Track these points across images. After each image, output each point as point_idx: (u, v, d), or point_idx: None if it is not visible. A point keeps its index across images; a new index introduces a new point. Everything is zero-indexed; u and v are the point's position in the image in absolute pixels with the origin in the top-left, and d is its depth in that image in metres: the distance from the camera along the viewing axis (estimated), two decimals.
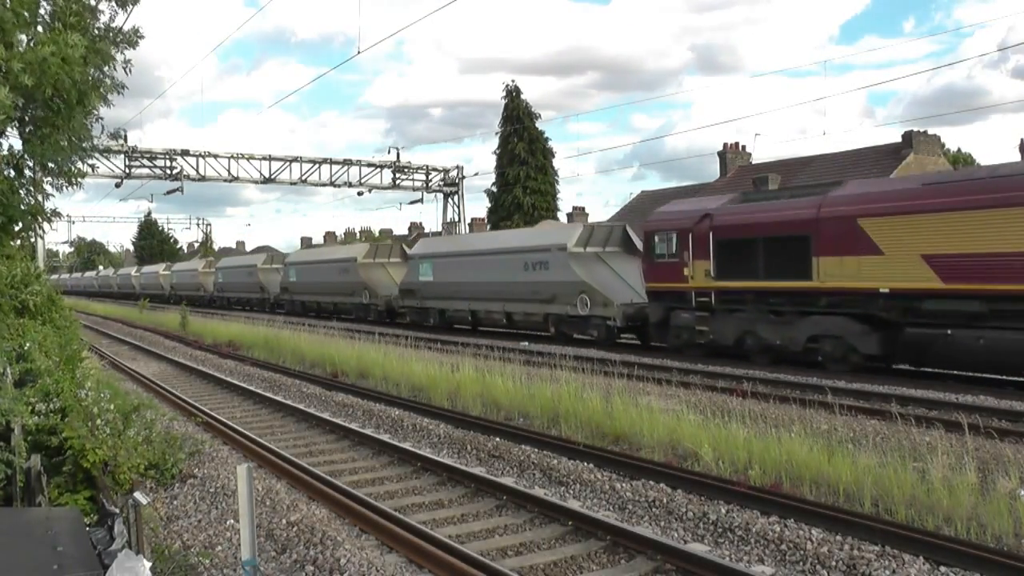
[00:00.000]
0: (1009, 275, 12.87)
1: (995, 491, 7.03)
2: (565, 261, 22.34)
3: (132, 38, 11.13)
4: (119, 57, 11.04)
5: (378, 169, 42.77)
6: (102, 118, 11.59)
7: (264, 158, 40.34)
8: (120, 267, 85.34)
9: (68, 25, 9.73)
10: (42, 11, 10.21)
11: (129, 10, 11.00)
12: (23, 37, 9.52)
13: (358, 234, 76.69)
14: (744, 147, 43.57)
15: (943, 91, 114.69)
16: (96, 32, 10.81)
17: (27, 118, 10.66)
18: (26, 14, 8.99)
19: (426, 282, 28.75)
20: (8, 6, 8.64)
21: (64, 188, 11.87)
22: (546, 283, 23.04)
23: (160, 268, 61.06)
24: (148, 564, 3.78)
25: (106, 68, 10.92)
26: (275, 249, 67.59)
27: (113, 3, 10.96)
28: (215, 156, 39.31)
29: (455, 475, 8.84)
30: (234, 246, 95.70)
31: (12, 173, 10.56)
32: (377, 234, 73.98)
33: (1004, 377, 14.09)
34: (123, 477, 7.50)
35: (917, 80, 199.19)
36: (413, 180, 44.17)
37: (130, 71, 11.18)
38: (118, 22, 11.17)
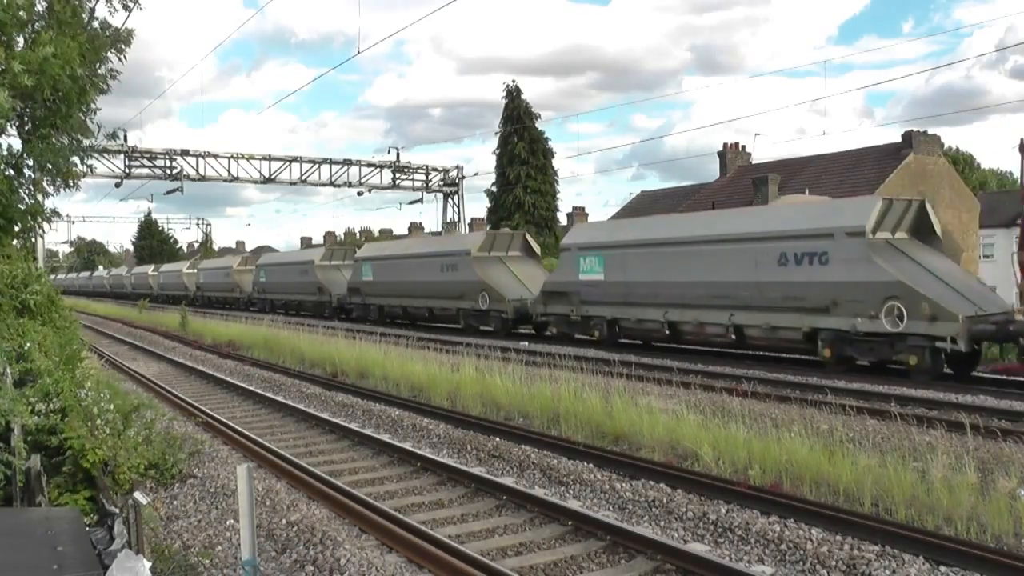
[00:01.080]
0: None
1: (995, 491, 7.04)
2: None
3: (126, 37, 11.15)
4: (113, 56, 11.07)
5: (378, 169, 42.81)
6: (99, 108, 11.58)
7: (264, 158, 40.37)
8: (120, 267, 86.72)
9: (65, 23, 9.74)
10: (39, 8, 10.21)
11: (129, 11, 11.02)
12: (19, 39, 9.53)
13: (358, 234, 76.87)
14: (744, 147, 43.59)
15: (942, 91, 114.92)
16: (92, 29, 10.82)
17: (26, 118, 10.66)
18: (23, 14, 8.99)
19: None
20: (7, 9, 8.63)
21: (63, 188, 11.87)
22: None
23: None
24: (148, 564, 3.78)
25: (101, 64, 10.94)
26: (273, 249, 69.31)
27: (112, 3, 10.98)
28: (215, 156, 39.34)
29: (455, 475, 8.84)
30: (234, 246, 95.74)
31: (11, 173, 10.56)
32: (377, 234, 74.08)
33: (1006, 377, 14.10)
34: (123, 477, 7.50)
35: (916, 80, 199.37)
36: (413, 180, 44.22)
37: (124, 59, 11.20)
38: (114, 20, 11.20)
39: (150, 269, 66.56)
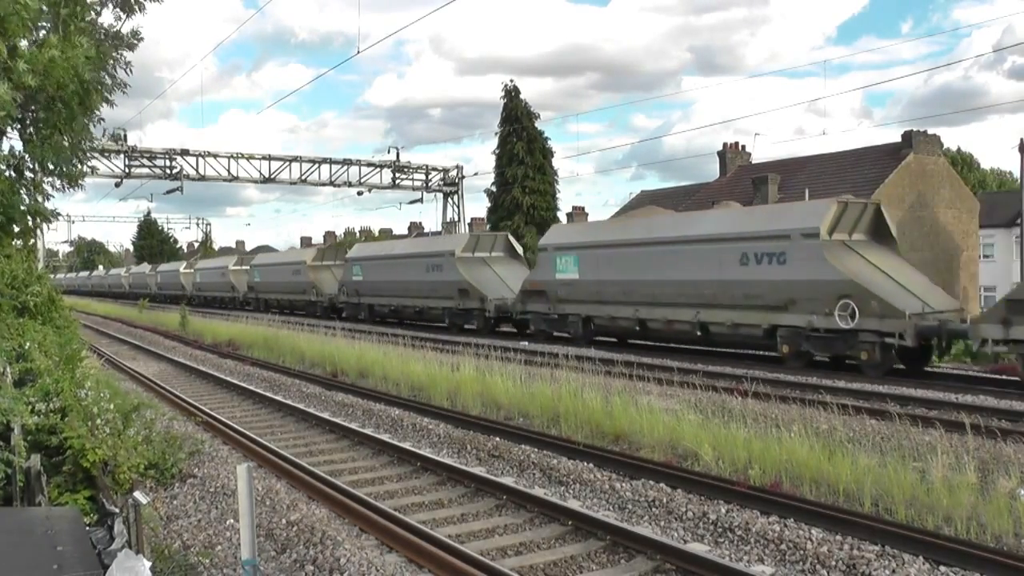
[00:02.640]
0: None
1: (995, 491, 7.04)
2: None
3: (131, 41, 11.17)
4: (120, 60, 11.09)
5: (378, 169, 42.79)
6: (103, 119, 11.63)
7: (264, 158, 40.35)
8: (120, 267, 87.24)
9: (79, 29, 9.75)
10: (46, 9, 10.21)
11: (133, 16, 11.04)
12: (24, 42, 9.52)
13: (358, 234, 76.97)
14: (744, 147, 43.59)
15: (941, 91, 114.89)
16: (99, 35, 10.84)
17: (28, 119, 10.66)
18: (25, 14, 8.98)
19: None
20: (13, 11, 8.62)
21: (64, 188, 11.88)
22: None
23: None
24: (148, 564, 3.77)
25: (107, 69, 10.96)
26: (274, 249, 69.78)
27: (118, 9, 11.00)
28: (215, 156, 39.32)
29: (455, 475, 8.83)
30: (234, 245, 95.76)
31: (12, 174, 10.56)
32: (377, 234, 74.16)
33: (1005, 377, 14.11)
34: (123, 477, 7.49)
35: (915, 80, 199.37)
36: (413, 180, 44.19)
37: (131, 71, 11.23)
38: (119, 26, 11.22)
39: (147, 268, 67.78)
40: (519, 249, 29.02)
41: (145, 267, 71.06)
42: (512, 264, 27.76)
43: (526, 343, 21.78)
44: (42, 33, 10.18)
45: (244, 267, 48.05)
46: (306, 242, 75.20)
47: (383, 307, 32.73)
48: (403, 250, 32.93)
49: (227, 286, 48.59)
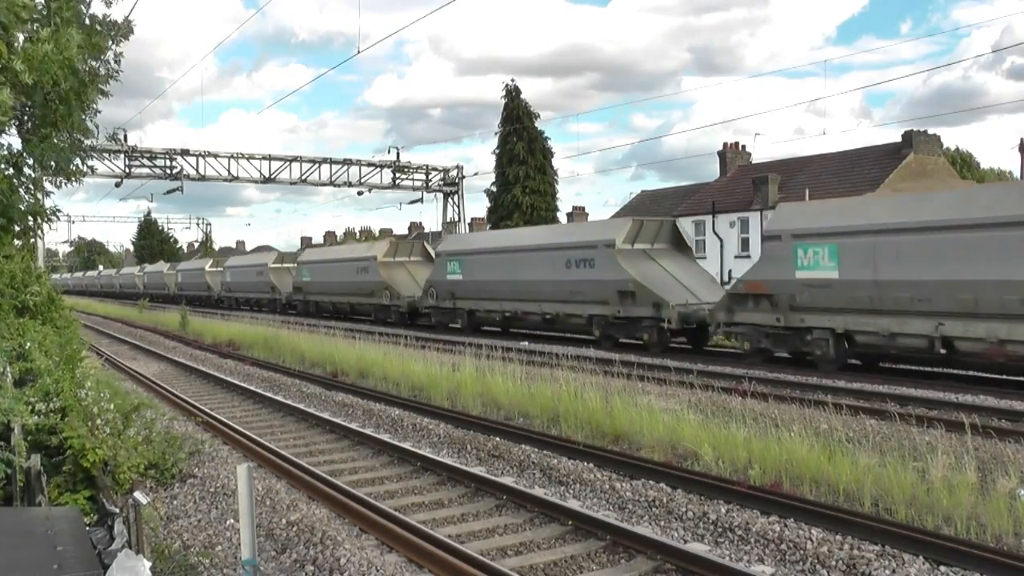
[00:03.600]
0: None
1: (995, 491, 7.04)
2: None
3: (125, 30, 11.11)
4: (113, 49, 11.03)
5: (378, 169, 42.79)
6: (100, 111, 11.56)
7: (264, 158, 40.36)
8: (119, 267, 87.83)
9: (66, 21, 9.71)
10: (38, 3, 10.19)
11: (119, 3, 10.96)
12: (20, 35, 9.51)
13: (358, 234, 77.05)
14: (744, 147, 43.59)
15: (940, 92, 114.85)
16: (89, 24, 10.78)
17: (26, 117, 10.65)
18: (24, 14, 8.97)
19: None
20: (9, 8, 8.61)
21: (64, 185, 11.85)
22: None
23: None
24: (148, 564, 3.78)
25: (100, 59, 10.91)
26: (274, 249, 69.82)
27: None
28: (215, 156, 39.33)
29: (455, 475, 8.83)
30: (234, 245, 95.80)
31: (11, 171, 10.54)
32: (377, 233, 74.22)
33: (1006, 376, 14.11)
34: (123, 477, 7.49)
35: (914, 81, 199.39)
36: (413, 180, 44.19)
37: (120, 60, 11.15)
38: (110, 13, 11.13)
39: (166, 267, 65.51)
40: (433, 253, 30.58)
41: (163, 266, 68.11)
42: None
43: (526, 343, 21.81)
44: (35, 25, 10.15)
45: (288, 264, 44.40)
46: (306, 242, 75.35)
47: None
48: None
49: (265, 286, 44.97)
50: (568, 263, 22.30)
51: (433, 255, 30.59)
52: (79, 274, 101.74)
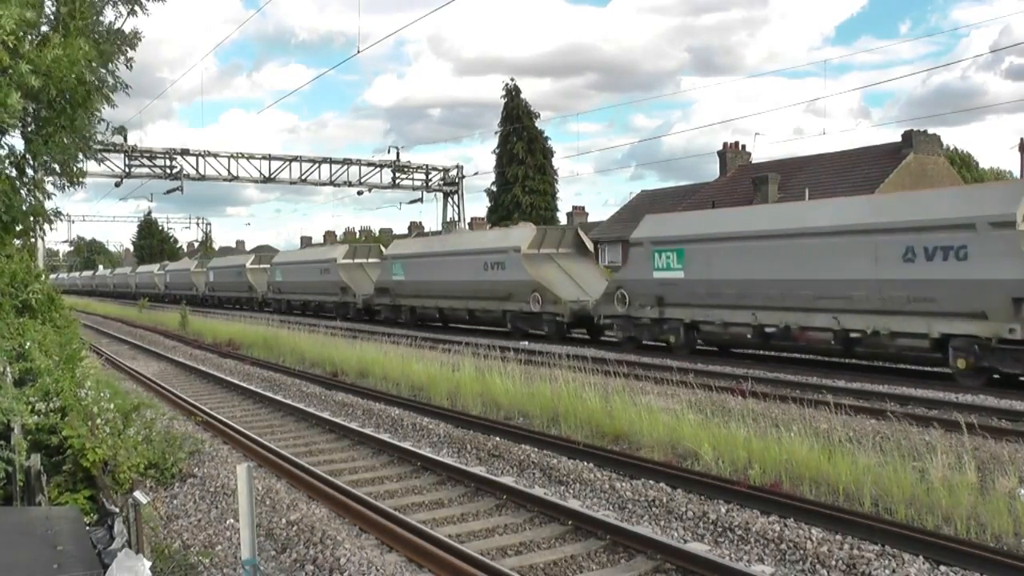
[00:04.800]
0: None
1: (995, 490, 7.04)
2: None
3: (132, 40, 11.14)
4: (120, 58, 11.06)
5: (378, 168, 42.75)
6: (104, 120, 11.58)
7: (264, 157, 40.33)
8: (114, 268, 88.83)
9: (78, 30, 9.73)
10: (48, 10, 10.20)
11: (135, 15, 11.01)
12: (27, 39, 9.50)
13: (358, 234, 77.08)
14: (744, 147, 43.60)
15: (939, 92, 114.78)
16: (99, 33, 10.81)
17: (30, 119, 10.65)
18: (31, 15, 8.96)
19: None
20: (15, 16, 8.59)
21: (66, 187, 11.85)
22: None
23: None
24: (148, 563, 3.78)
25: (108, 67, 10.93)
26: (274, 248, 70.16)
27: (120, 7, 10.96)
28: (215, 155, 39.29)
29: (455, 474, 8.84)
30: (234, 245, 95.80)
31: (14, 173, 10.54)
32: (378, 233, 74.29)
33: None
34: (123, 476, 7.50)
35: (913, 81, 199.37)
36: (413, 180, 44.13)
37: (131, 67, 11.19)
38: (120, 23, 11.17)
39: (192, 264, 64.61)
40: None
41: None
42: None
43: (526, 343, 21.83)
44: (44, 28, 10.15)
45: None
46: (306, 242, 75.48)
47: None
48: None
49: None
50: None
51: (589, 246, 31.34)
52: (75, 274, 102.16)
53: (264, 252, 57.43)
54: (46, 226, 12.10)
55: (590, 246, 26.51)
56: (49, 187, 11.59)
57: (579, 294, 22.92)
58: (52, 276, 76.59)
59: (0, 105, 8.47)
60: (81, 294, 78.81)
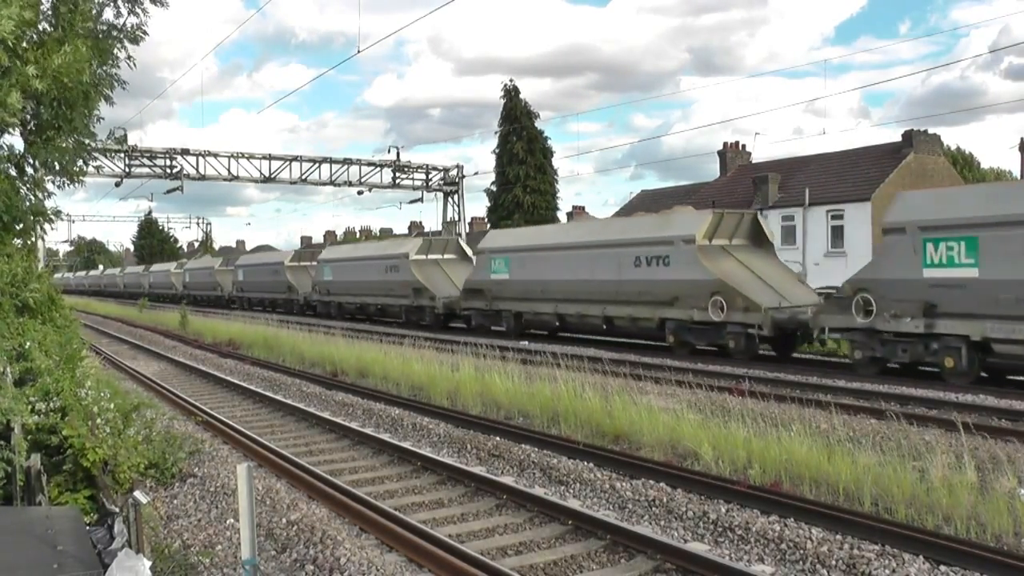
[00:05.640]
0: None
1: (995, 490, 7.04)
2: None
3: (135, 35, 11.07)
4: (121, 55, 11.01)
5: (378, 168, 42.78)
6: (103, 118, 11.56)
7: (264, 157, 40.36)
8: (122, 267, 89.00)
9: (76, 33, 9.70)
10: (45, 6, 10.16)
11: (136, 15, 10.95)
12: (25, 39, 9.49)
13: (358, 233, 77.12)
14: (744, 146, 43.59)
15: (938, 92, 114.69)
16: (99, 30, 10.77)
17: (30, 119, 10.63)
18: (29, 15, 8.94)
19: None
20: (14, 25, 8.56)
21: (66, 186, 11.84)
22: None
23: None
24: (148, 563, 3.78)
25: (107, 66, 10.89)
26: (274, 248, 70.19)
27: (120, 6, 10.91)
28: (215, 155, 39.32)
29: (455, 474, 8.84)
30: (234, 245, 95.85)
31: (14, 172, 10.54)
32: (378, 233, 74.28)
33: (1007, 376, 14.12)
34: (123, 476, 7.49)
35: (912, 81, 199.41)
36: (413, 179, 44.17)
37: (133, 66, 11.14)
38: (121, 21, 11.12)
39: (216, 263, 61.70)
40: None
41: (169, 265, 65.77)
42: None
43: (526, 343, 21.82)
44: (43, 26, 10.12)
45: (307, 263, 40.70)
46: (306, 242, 75.43)
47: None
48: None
49: (281, 286, 41.36)
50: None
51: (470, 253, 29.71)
52: (81, 273, 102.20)
53: (306, 247, 58.11)
54: (47, 226, 12.09)
55: (771, 236, 20.77)
56: (49, 186, 11.58)
57: (777, 299, 17.61)
58: (58, 275, 77.41)
59: (0, 105, 8.47)
60: (85, 295, 78.78)
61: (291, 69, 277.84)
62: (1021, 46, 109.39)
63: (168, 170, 38.38)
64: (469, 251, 30.53)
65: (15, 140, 11.18)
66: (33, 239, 13.39)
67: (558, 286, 22.61)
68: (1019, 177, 37.44)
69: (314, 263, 38.25)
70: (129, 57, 11.12)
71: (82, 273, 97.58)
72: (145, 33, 11.04)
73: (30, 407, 6.77)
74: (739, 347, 17.52)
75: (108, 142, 12.31)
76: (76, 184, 11.90)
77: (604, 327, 21.27)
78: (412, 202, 45.72)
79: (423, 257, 30.24)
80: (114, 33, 10.83)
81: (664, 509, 7.57)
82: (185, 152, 38.66)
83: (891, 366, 15.21)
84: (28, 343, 8.86)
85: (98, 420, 7.68)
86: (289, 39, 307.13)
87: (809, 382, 14.14)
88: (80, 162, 11.57)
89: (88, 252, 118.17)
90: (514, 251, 25.06)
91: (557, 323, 23.13)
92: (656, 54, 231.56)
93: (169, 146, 38.58)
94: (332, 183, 42.25)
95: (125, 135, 12.74)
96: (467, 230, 45.21)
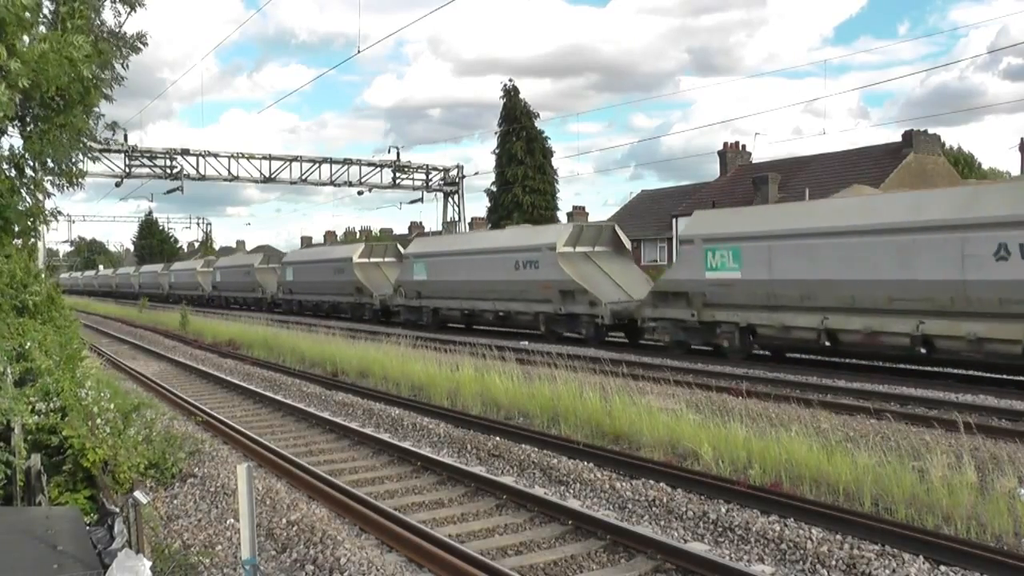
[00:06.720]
0: None
1: (994, 490, 7.04)
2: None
3: (135, 43, 11.07)
4: (120, 62, 11.00)
5: (378, 168, 42.76)
6: (103, 115, 11.54)
7: (264, 157, 40.34)
8: (116, 268, 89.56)
9: (76, 28, 9.68)
10: (46, 11, 10.15)
11: (134, 13, 10.93)
12: (26, 38, 9.47)
13: (358, 234, 77.17)
14: (744, 146, 43.61)
15: (937, 92, 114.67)
16: (99, 34, 10.76)
17: (27, 117, 10.62)
18: (28, 15, 8.92)
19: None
20: (10, 8, 8.55)
21: (65, 188, 11.83)
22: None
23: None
24: (148, 563, 3.78)
25: (107, 68, 10.89)
26: (274, 248, 70.14)
27: (117, 4, 10.89)
28: (215, 155, 39.30)
29: (455, 474, 8.84)
30: (234, 245, 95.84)
31: (13, 172, 10.52)
32: (378, 233, 74.32)
33: (1006, 376, 14.12)
34: (123, 476, 7.49)
35: (912, 81, 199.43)
36: (413, 180, 44.15)
37: (127, 66, 11.12)
38: (122, 22, 11.11)
39: (256, 260, 62.26)
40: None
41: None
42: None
43: (526, 343, 21.83)
44: (41, 28, 10.11)
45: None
46: (306, 242, 75.42)
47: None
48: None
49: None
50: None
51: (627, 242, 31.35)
52: (78, 274, 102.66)
53: (271, 251, 57.57)
54: (45, 226, 12.08)
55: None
56: (48, 187, 11.57)
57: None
58: (64, 275, 78.01)
59: None
60: (83, 294, 78.96)
61: (291, 69, 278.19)
62: (1020, 46, 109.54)
63: (168, 170, 38.37)
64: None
65: (15, 140, 11.18)
66: (33, 239, 13.38)
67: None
68: (1020, 175, 37.39)
69: (387, 259, 36.33)
70: (125, 58, 11.11)
71: (91, 273, 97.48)
72: (145, 44, 11.03)
73: (30, 407, 6.77)
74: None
75: (103, 133, 12.25)
76: (75, 186, 11.88)
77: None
78: (412, 202, 45.74)
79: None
80: (114, 40, 10.81)
81: (664, 509, 7.57)
82: (185, 152, 38.65)
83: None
84: (28, 343, 8.86)
85: (98, 420, 7.67)
86: (289, 39, 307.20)
87: (809, 382, 14.15)
88: (78, 160, 11.55)
89: (88, 252, 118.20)
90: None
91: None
92: (656, 54, 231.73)
93: (169, 146, 38.61)
94: (332, 183, 42.25)
95: (126, 134, 12.74)
96: (467, 230, 45.18)
